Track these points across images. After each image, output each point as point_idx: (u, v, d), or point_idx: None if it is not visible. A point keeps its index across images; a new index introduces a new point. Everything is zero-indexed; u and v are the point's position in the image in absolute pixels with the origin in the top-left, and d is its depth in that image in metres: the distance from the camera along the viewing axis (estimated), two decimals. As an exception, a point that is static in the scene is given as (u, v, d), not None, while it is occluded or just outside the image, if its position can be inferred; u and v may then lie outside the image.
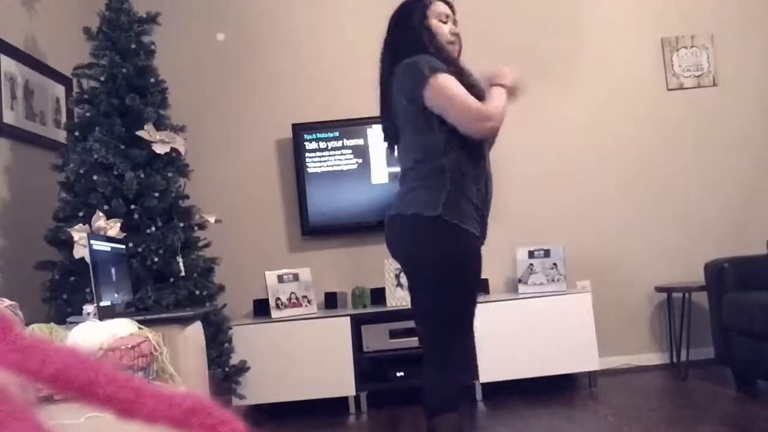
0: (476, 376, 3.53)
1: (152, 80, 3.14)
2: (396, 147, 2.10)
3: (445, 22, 2.01)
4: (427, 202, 1.85)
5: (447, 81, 1.86)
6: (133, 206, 2.94)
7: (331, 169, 4.07)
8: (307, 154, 4.07)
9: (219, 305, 3.31)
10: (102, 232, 2.74)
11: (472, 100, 1.85)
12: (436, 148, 1.90)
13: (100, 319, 2.19)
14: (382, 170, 4.07)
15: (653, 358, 4.16)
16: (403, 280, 3.84)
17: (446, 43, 1.99)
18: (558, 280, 3.80)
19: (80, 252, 2.73)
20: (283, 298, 3.78)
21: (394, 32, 2.05)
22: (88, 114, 3.05)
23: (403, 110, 1.96)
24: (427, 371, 1.90)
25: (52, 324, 2.10)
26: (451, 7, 2.07)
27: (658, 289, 4.04)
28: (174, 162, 3.14)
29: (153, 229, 2.96)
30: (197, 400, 0.61)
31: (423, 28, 1.98)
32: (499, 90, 1.93)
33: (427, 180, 1.89)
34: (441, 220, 1.83)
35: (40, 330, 1.99)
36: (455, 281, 1.88)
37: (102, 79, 3.05)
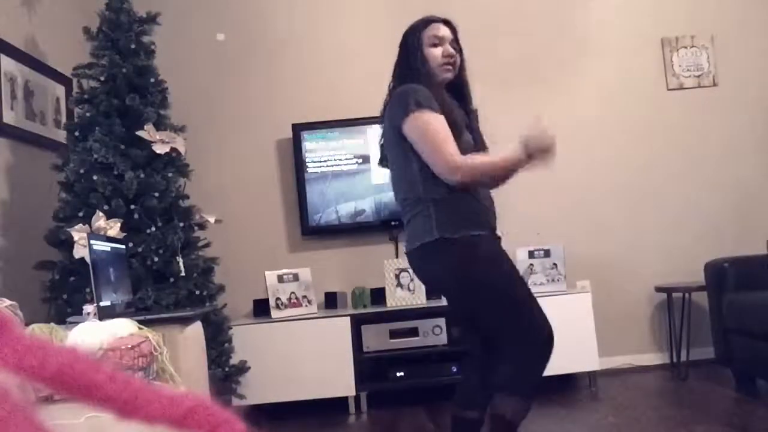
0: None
1: (152, 80, 3.14)
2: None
3: (437, 45, 2.02)
4: (423, 230, 1.91)
5: (429, 118, 1.87)
6: (133, 206, 2.94)
7: (331, 169, 4.07)
8: (307, 154, 4.07)
9: (219, 305, 3.31)
10: (102, 232, 2.74)
11: (447, 146, 1.85)
12: (415, 180, 1.93)
13: (100, 319, 2.19)
14: (382, 170, 4.06)
15: (653, 358, 4.16)
16: (404, 280, 3.87)
17: (437, 66, 2.00)
18: (558, 280, 3.80)
19: (80, 252, 2.73)
20: (283, 298, 3.78)
21: (397, 59, 2.09)
22: (88, 114, 3.05)
23: (388, 136, 2.00)
24: (499, 366, 1.93)
25: (52, 324, 2.10)
26: (449, 24, 2.07)
27: (658, 289, 4.04)
28: (174, 162, 3.14)
29: (153, 229, 2.96)
30: (197, 400, 0.61)
31: (416, 55, 2.00)
32: (507, 156, 1.88)
33: (416, 209, 1.94)
34: (442, 240, 1.87)
35: (40, 330, 1.99)
36: (484, 285, 1.91)
37: (102, 79, 3.05)
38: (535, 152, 1.88)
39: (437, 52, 2.01)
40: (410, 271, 3.94)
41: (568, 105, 4.27)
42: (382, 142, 2.12)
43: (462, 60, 2.08)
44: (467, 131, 2.01)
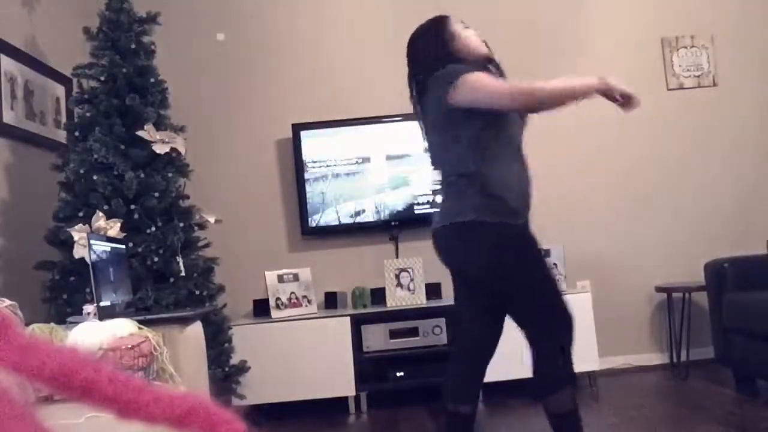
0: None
1: (152, 80, 3.14)
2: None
3: (467, 28, 2.12)
4: (458, 210, 1.95)
5: (472, 76, 1.93)
6: (133, 206, 2.94)
7: (331, 169, 4.07)
8: (307, 154, 4.07)
9: (219, 305, 3.31)
10: (102, 232, 2.74)
11: (498, 85, 1.93)
12: (460, 159, 1.98)
13: (100, 319, 2.19)
14: (382, 170, 4.08)
15: (653, 358, 4.16)
16: (404, 280, 3.87)
17: (479, 43, 2.09)
18: (558, 280, 3.79)
19: (80, 252, 2.73)
20: (283, 298, 3.78)
21: (416, 59, 2.11)
22: (88, 114, 3.04)
23: (433, 122, 2.05)
24: (534, 355, 1.99)
25: (52, 324, 2.10)
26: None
27: (658, 289, 4.04)
28: (174, 162, 3.14)
29: (153, 229, 2.96)
30: (197, 400, 0.61)
31: (452, 40, 2.06)
32: (567, 82, 1.95)
33: (455, 188, 1.99)
34: (475, 223, 1.91)
35: (40, 330, 1.99)
36: (511, 272, 1.95)
37: (102, 79, 3.05)
38: (614, 88, 1.99)
39: (471, 32, 2.10)
40: (410, 271, 3.97)
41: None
42: (424, 134, 2.15)
43: None
44: None
